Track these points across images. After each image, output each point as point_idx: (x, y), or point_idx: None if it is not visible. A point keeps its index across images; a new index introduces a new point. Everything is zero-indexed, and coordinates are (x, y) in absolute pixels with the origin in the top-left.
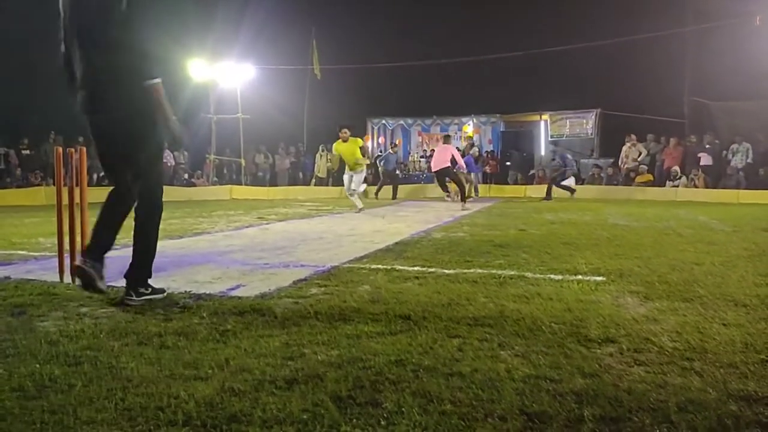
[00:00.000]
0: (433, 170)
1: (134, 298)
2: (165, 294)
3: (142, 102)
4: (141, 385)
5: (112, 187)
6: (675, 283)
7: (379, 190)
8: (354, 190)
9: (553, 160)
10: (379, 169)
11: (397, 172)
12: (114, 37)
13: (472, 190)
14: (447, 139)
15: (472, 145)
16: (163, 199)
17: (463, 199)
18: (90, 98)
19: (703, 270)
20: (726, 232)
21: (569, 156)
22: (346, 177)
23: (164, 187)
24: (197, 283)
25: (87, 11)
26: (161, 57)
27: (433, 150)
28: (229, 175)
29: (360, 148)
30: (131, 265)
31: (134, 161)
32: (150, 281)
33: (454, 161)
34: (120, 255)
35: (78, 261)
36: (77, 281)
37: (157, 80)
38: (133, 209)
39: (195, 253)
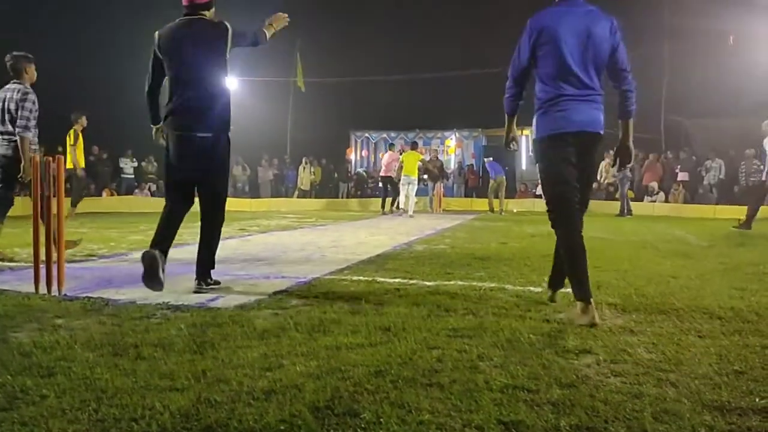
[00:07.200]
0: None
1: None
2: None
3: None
4: (115, 396)
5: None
6: (651, 296)
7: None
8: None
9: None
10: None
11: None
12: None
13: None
14: (392, 147)
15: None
16: (139, 211)
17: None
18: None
19: (679, 283)
20: (702, 246)
21: None
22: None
23: (132, 198)
24: (176, 294)
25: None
26: None
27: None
28: None
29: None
30: (204, 261)
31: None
32: (131, 291)
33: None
34: (98, 266)
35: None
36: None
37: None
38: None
39: (175, 263)
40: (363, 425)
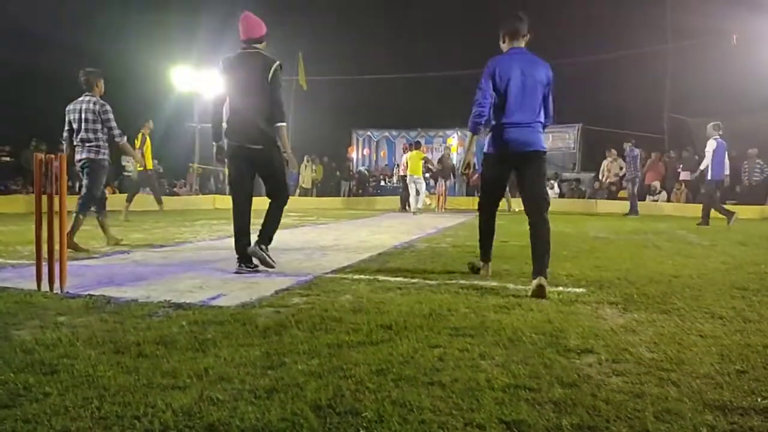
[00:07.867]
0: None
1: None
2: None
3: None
4: (118, 393)
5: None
6: (653, 295)
7: None
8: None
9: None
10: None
11: None
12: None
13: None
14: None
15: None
16: (141, 209)
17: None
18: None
19: (681, 282)
20: (704, 245)
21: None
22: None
23: (140, 197)
24: (178, 292)
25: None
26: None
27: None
28: (214, 185)
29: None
30: (262, 232)
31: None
32: (133, 289)
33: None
34: (100, 264)
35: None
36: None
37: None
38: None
39: (177, 262)
40: (365, 424)
